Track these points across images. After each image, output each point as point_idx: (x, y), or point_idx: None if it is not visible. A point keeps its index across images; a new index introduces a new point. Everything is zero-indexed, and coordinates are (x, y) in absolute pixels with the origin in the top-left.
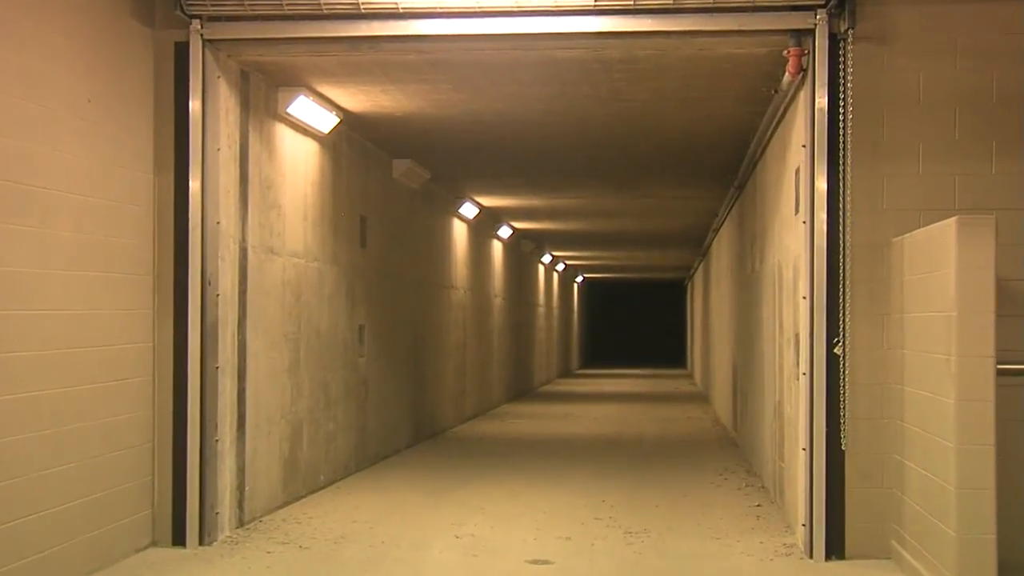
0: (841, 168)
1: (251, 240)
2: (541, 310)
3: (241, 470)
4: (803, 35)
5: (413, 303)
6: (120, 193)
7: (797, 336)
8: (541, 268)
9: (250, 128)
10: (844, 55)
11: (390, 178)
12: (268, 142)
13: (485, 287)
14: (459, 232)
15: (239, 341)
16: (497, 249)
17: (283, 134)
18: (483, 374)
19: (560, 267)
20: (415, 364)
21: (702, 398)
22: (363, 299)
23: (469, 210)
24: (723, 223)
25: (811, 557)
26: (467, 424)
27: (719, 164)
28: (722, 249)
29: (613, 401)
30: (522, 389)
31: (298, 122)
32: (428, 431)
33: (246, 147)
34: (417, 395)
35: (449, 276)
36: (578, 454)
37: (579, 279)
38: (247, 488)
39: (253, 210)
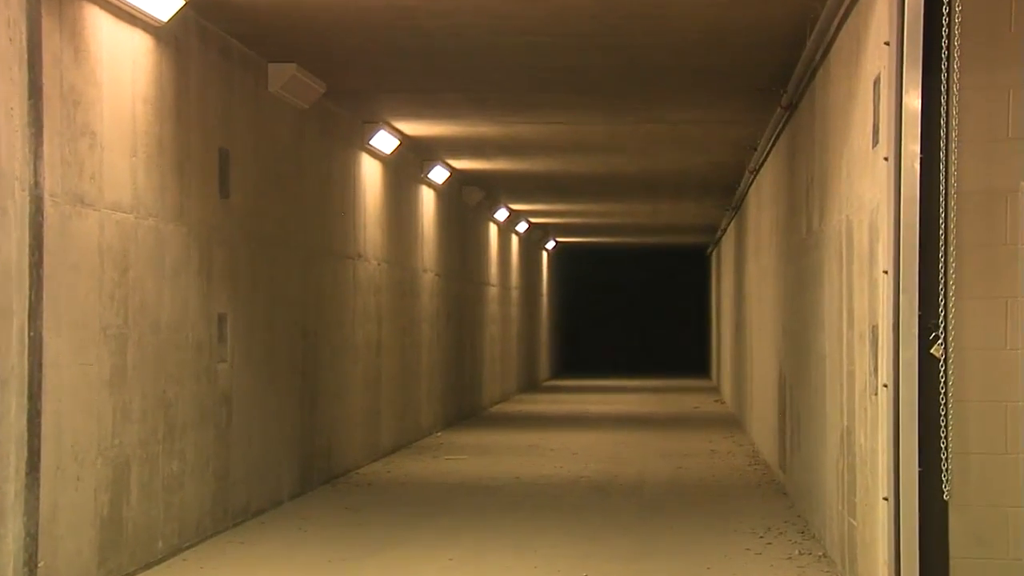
0: (944, 77)
1: (48, 185)
2: (493, 291)
3: (32, 536)
4: None
5: (301, 282)
6: None
7: (875, 330)
8: (493, 229)
9: (44, 11)
10: None
11: (265, 93)
12: (75, 35)
13: (410, 258)
14: (370, 175)
15: (31, 340)
16: (428, 200)
17: (98, 23)
18: (407, 387)
19: (521, 227)
20: (304, 373)
21: (732, 422)
22: (225, 276)
23: (385, 142)
24: (764, 162)
25: None
26: (383, 461)
27: (758, 72)
28: (763, 202)
29: (601, 427)
30: (466, 409)
31: (121, 3)
32: (323, 472)
33: (38, 40)
34: (307, 419)
35: (355, 242)
36: (550, 507)
37: (549, 245)
38: (40, 563)
39: (52, 139)
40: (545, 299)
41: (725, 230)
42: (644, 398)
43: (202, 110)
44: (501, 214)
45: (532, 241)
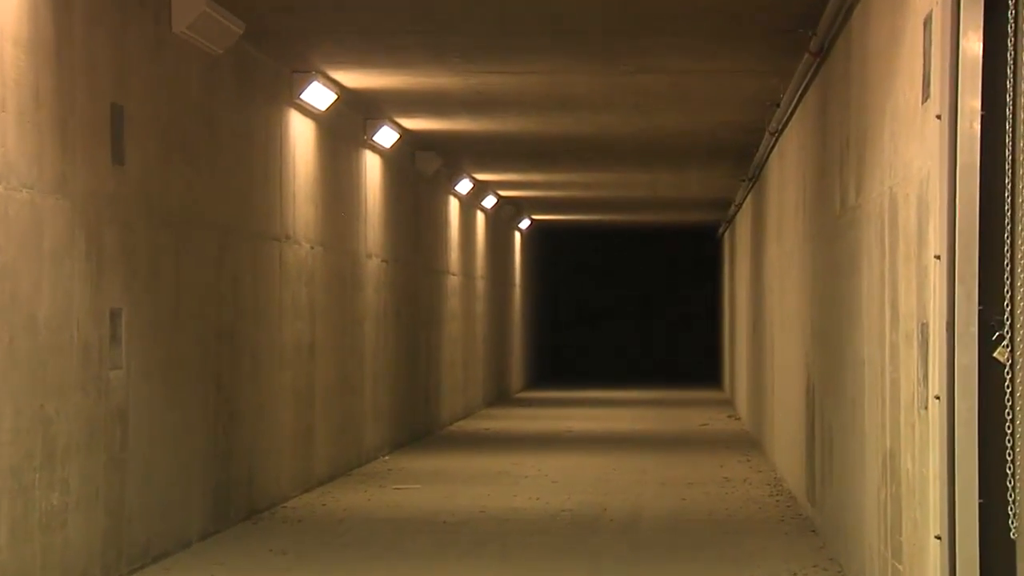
0: (1011, 15)
1: None
2: (454, 282)
3: None
4: None
5: (215, 270)
6: None
7: (924, 329)
8: (454, 205)
9: None
10: None
11: (169, 34)
12: None
13: (351, 240)
14: (301, 136)
15: None
16: (372, 169)
17: None
18: (347, 400)
19: (489, 202)
20: (218, 383)
21: (749, 443)
22: (119, 262)
23: (319, 95)
24: (788, 122)
25: None
26: (317, 492)
27: (781, 11)
28: (786, 171)
29: (587, 449)
30: (420, 427)
31: None
32: (243, 506)
33: None
34: (222, 440)
35: (283, 220)
36: (523, 548)
37: (523, 224)
38: None
39: None
40: (518, 291)
41: (740, 206)
42: (641, 413)
43: (89, 55)
44: (464, 186)
45: (502, 220)
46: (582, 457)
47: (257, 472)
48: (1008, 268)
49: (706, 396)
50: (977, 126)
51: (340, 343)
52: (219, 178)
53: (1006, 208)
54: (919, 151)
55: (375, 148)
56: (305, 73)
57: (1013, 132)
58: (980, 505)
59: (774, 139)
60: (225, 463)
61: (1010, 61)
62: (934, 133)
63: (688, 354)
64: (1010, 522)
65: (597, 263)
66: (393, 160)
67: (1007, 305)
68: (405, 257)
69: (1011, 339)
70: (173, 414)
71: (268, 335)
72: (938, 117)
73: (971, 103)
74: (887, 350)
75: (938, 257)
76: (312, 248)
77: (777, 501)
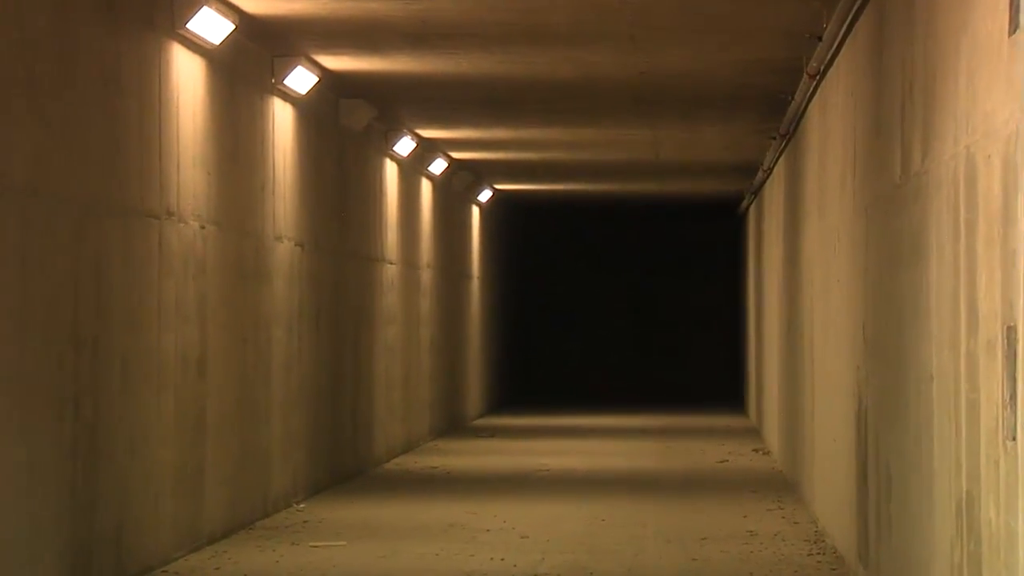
0: None
1: None
2: (391, 272)
3: None
4: None
5: (72, 256)
6: None
7: (1010, 333)
8: (391, 170)
9: None
10: None
11: None
12: None
13: (253, 217)
14: (186, 79)
15: None
16: (283, 122)
17: None
18: (249, 430)
19: (437, 166)
20: (77, 405)
21: (781, 485)
22: None
23: (209, 23)
24: (834, 60)
25: None
26: (208, 551)
27: None
28: (830, 125)
29: (568, 493)
30: (346, 465)
31: None
32: (109, 570)
33: None
34: (82, 481)
35: (162, 191)
36: None
37: (483, 196)
38: None
39: None
40: (477, 285)
41: (770, 172)
42: (639, 446)
43: None
44: (404, 146)
45: (455, 190)
46: (561, 504)
47: (128, 526)
48: None
49: (725, 423)
50: None
51: (240, 355)
52: (76, 134)
53: None
54: (1005, 99)
55: (286, 95)
56: None
57: None
58: None
59: (815, 83)
60: (87, 514)
61: None
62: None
63: (701, 368)
64: None
65: (581, 248)
66: (310, 111)
67: None
68: (327, 240)
69: None
70: (16, 449)
71: (144, 344)
72: None
73: None
74: (962, 362)
75: None
76: (203, 228)
77: (818, 562)
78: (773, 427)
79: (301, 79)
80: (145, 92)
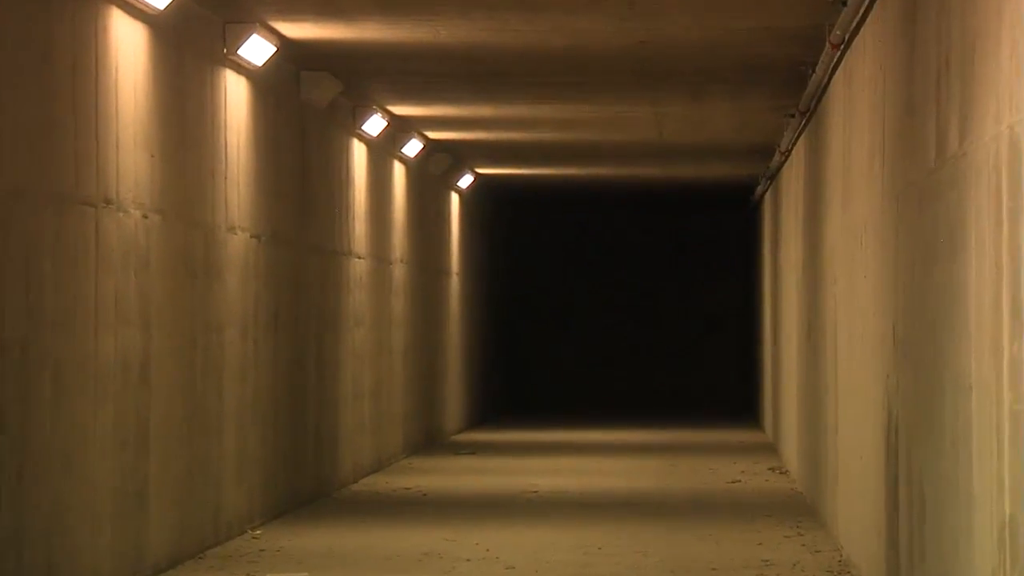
0: None
1: None
2: (359, 268)
3: None
4: None
5: None
6: None
7: None
8: (359, 152)
9: None
10: None
11: None
12: None
13: (202, 206)
14: (128, 47)
15: None
16: (236, 98)
17: None
18: (199, 446)
19: (411, 147)
20: (2, 418)
21: (801, 508)
22: None
23: None
24: (861, 26)
25: None
26: None
27: None
28: (856, 101)
29: (559, 516)
30: (307, 487)
31: None
32: None
33: None
34: (7, 507)
35: (99, 175)
36: None
37: (463, 182)
38: None
39: None
40: (457, 283)
41: (787, 155)
42: (641, 464)
43: None
44: (374, 124)
45: (432, 175)
46: (551, 530)
47: (59, 555)
48: None
49: (737, 438)
50: None
51: (188, 361)
52: None
53: None
54: None
55: (240, 67)
56: None
57: None
58: None
59: (839, 54)
60: (13, 543)
61: None
62: None
63: (710, 376)
64: None
65: (574, 241)
66: (268, 85)
67: None
68: (286, 231)
69: None
70: None
71: (79, 348)
72: None
73: None
74: (1005, 369)
75: None
76: (145, 217)
77: None
78: (791, 443)
79: (257, 49)
80: (79, 63)
